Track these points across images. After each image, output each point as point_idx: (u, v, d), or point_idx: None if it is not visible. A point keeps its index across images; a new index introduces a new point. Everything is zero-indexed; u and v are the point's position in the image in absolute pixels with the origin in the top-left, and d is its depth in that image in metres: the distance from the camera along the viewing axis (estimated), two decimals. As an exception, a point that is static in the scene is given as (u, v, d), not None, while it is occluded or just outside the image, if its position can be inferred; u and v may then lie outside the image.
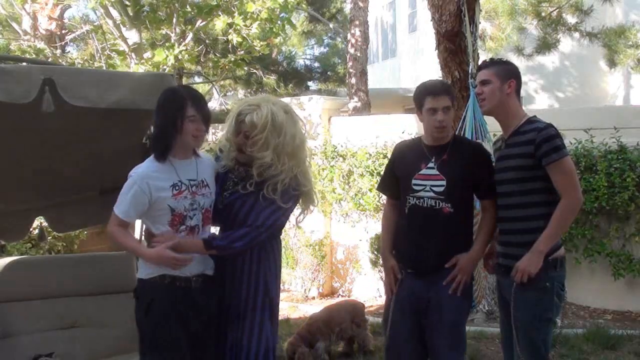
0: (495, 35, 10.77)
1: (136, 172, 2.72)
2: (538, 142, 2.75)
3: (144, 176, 2.69)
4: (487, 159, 3.11)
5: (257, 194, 2.81)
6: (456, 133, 4.66)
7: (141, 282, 2.78)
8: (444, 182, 2.94)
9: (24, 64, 3.69)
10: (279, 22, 8.98)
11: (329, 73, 20.74)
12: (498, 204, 2.96)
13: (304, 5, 11.10)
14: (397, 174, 3.13)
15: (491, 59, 3.04)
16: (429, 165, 2.99)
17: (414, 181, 2.99)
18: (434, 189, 2.95)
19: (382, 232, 3.27)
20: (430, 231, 2.97)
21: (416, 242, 3.00)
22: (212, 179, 2.88)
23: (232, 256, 2.86)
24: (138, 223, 3.57)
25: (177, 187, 2.71)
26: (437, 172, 2.96)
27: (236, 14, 8.61)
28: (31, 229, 4.91)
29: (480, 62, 3.12)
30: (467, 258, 2.97)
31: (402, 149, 3.24)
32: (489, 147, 4.14)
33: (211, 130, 2.99)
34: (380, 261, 7.24)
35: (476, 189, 3.04)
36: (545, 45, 10.87)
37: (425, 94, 2.99)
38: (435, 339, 2.96)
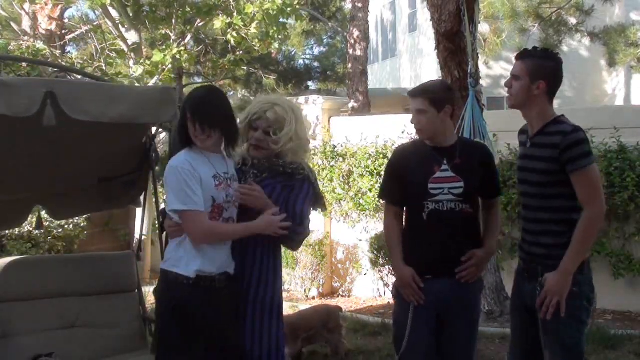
0: (491, 39, 10.80)
1: (177, 161, 2.66)
2: (563, 147, 2.63)
3: (188, 163, 2.63)
4: (492, 160, 3.13)
5: (288, 183, 2.87)
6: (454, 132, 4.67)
7: (165, 277, 2.71)
8: (461, 184, 2.89)
9: (24, 65, 3.69)
10: (276, 25, 8.97)
11: (328, 73, 20.75)
12: (522, 203, 2.91)
13: (303, 14, 10.89)
14: (406, 180, 2.98)
15: (532, 50, 2.88)
16: (442, 168, 2.92)
17: (430, 185, 2.90)
18: (452, 191, 2.88)
19: (390, 244, 3.11)
20: (452, 234, 2.90)
21: (438, 246, 2.92)
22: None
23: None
24: (139, 217, 3.48)
25: (217, 178, 2.70)
26: (453, 174, 2.90)
27: (235, 14, 8.62)
28: (29, 219, 4.87)
29: (523, 50, 2.92)
30: (484, 253, 2.97)
31: (405, 153, 3.14)
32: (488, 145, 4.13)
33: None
34: (381, 261, 7.27)
35: (483, 188, 3.01)
36: (547, 46, 10.87)
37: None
38: (454, 341, 2.96)
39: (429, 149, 2.97)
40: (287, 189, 2.87)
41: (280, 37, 9.18)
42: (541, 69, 2.74)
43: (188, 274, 2.65)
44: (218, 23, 8.62)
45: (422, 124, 2.94)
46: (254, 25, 8.60)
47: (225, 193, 2.72)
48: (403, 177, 3.00)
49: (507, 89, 2.85)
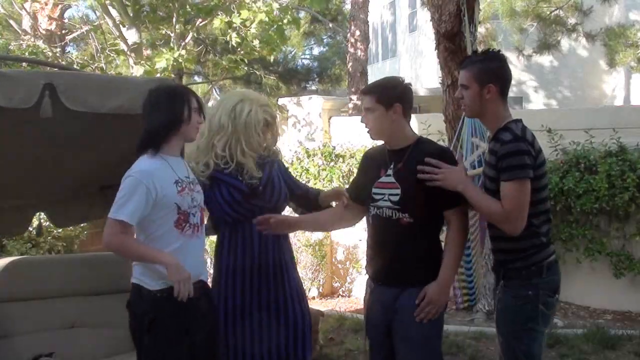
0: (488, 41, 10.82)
1: (137, 171, 2.55)
2: (499, 155, 2.51)
3: (148, 174, 2.53)
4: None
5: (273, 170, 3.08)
6: (455, 133, 4.66)
7: (138, 291, 2.60)
8: (398, 191, 2.70)
9: (24, 65, 3.70)
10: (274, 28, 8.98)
11: (327, 73, 20.75)
12: None
13: (301, 17, 10.82)
14: (361, 181, 2.92)
15: (472, 56, 2.83)
16: (387, 173, 2.75)
17: (374, 190, 2.77)
18: (391, 198, 2.71)
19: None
20: (387, 242, 2.76)
21: (380, 253, 2.81)
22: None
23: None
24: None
25: (179, 184, 2.61)
26: (394, 180, 2.72)
27: (235, 13, 8.63)
28: (31, 227, 4.89)
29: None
30: (435, 291, 2.67)
31: (369, 153, 3.02)
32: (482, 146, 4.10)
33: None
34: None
35: (437, 197, 2.67)
36: (545, 46, 10.89)
37: None
38: (403, 355, 2.73)
39: (385, 151, 2.83)
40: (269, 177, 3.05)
41: (279, 42, 9.18)
42: (487, 72, 2.61)
43: (157, 286, 2.56)
44: (217, 22, 8.63)
45: (370, 123, 2.78)
46: (254, 25, 8.59)
47: (190, 198, 2.64)
48: (360, 178, 2.98)
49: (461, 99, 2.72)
